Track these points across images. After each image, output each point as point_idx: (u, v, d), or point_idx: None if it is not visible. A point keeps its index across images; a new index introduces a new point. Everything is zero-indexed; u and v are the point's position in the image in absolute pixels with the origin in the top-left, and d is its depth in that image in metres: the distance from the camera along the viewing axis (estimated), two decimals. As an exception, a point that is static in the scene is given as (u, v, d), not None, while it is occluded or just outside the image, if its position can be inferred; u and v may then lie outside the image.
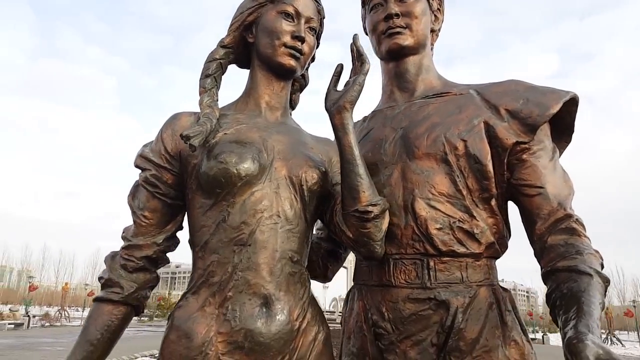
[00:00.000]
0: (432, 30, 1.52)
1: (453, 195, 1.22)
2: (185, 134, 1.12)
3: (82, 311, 48.25)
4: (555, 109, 1.23)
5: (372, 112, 1.51)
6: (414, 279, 1.20)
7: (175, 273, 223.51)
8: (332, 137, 1.35)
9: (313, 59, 1.46)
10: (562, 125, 1.34)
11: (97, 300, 1.19)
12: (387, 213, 1.17)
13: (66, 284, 51.26)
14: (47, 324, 35.77)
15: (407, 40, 1.41)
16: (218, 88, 1.32)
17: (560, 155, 1.41)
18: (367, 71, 1.20)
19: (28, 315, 29.74)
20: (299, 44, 1.28)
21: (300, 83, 1.48)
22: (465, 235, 1.20)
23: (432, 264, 1.19)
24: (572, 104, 1.30)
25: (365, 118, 1.53)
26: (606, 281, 1.06)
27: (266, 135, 1.24)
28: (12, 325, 28.40)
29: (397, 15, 1.40)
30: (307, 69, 1.46)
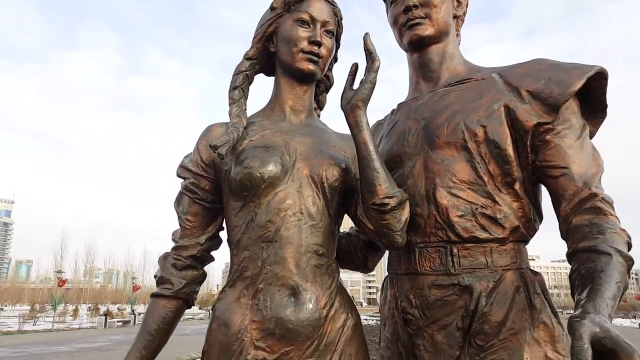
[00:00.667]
0: (456, 16, 1.52)
1: (474, 181, 1.23)
2: (213, 144, 1.24)
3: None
4: (578, 86, 1.19)
5: (399, 104, 1.54)
6: (439, 266, 1.23)
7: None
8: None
9: (336, 60, 1.52)
10: (594, 101, 1.30)
11: (153, 295, 1.35)
12: (406, 204, 1.21)
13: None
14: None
15: (427, 30, 1.42)
16: (246, 98, 1.43)
17: (596, 131, 1.36)
18: (377, 69, 1.24)
19: (134, 313, 32.33)
20: (316, 48, 1.35)
21: (325, 84, 1.55)
22: (488, 220, 1.20)
23: (455, 250, 1.21)
24: (600, 78, 1.25)
25: (393, 111, 1.57)
26: (629, 260, 1.03)
27: (289, 138, 1.32)
28: (120, 323, 31.03)
29: (415, 6, 1.41)
30: (330, 69, 1.52)
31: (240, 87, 1.41)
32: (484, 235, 1.20)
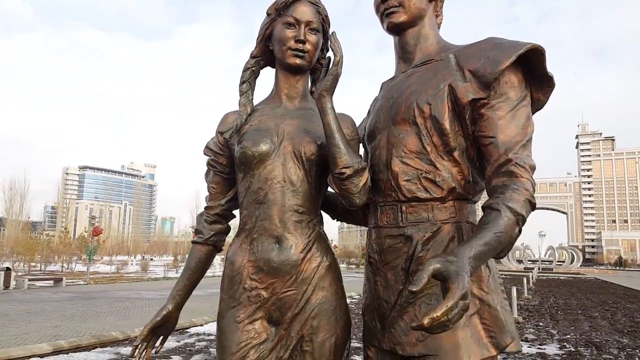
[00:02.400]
0: (431, 0, 1.70)
1: (420, 151, 1.47)
2: (219, 130, 1.64)
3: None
4: (506, 64, 1.36)
5: (382, 83, 1.79)
6: (392, 220, 1.51)
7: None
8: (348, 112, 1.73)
9: (328, 49, 1.80)
10: (537, 73, 1.45)
11: (193, 242, 1.82)
12: (363, 172, 1.50)
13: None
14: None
15: (401, 17, 1.64)
16: (253, 89, 1.79)
17: (546, 99, 1.51)
18: (338, 62, 1.52)
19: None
20: (301, 45, 1.66)
21: (320, 71, 1.85)
22: (429, 183, 1.45)
23: (403, 208, 1.49)
24: (538, 53, 1.40)
25: (380, 88, 1.82)
26: (517, 215, 1.23)
27: (280, 122, 1.67)
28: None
29: None
30: (323, 57, 1.80)
31: (247, 81, 1.78)
32: (424, 195, 1.45)
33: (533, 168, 1.34)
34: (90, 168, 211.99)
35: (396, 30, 1.67)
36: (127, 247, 73.24)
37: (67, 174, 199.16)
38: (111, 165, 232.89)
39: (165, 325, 1.74)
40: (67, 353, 5.85)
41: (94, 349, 6.22)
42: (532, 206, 1.29)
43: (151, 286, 21.01)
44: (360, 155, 1.61)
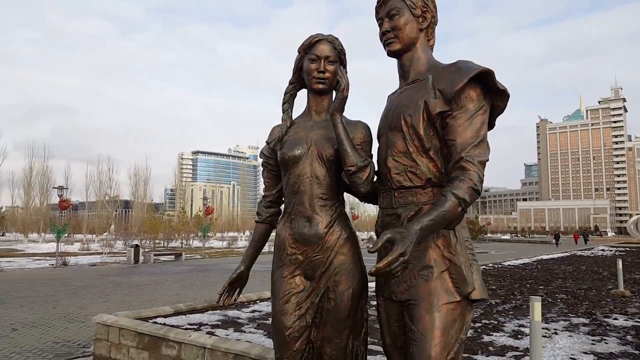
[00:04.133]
0: (422, 29, 2.14)
1: (405, 151, 1.96)
2: (267, 141, 2.26)
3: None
4: (460, 85, 1.80)
5: (388, 96, 2.27)
6: (388, 203, 2.03)
7: (485, 197, 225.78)
8: (362, 118, 2.27)
9: (346, 70, 2.31)
10: (493, 87, 1.86)
11: (256, 222, 2.48)
12: (366, 168, 2.03)
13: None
14: (370, 246, 42.67)
15: (396, 46, 2.11)
16: (291, 107, 2.38)
17: (504, 106, 1.91)
18: (344, 89, 2.05)
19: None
20: (322, 75, 2.21)
21: None
22: (413, 175, 1.94)
23: (395, 194, 1.99)
24: (489, 74, 1.82)
25: (387, 99, 2.31)
26: (459, 198, 1.68)
27: (309, 132, 2.24)
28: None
29: (387, 31, 2.12)
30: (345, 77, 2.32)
31: (287, 102, 2.37)
32: (409, 184, 1.94)
33: (482, 162, 1.78)
34: (202, 152, 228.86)
35: (394, 55, 2.14)
36: (237, 224, 78.76)
37: (182, 159, 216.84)
38: (219, 149, 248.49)
39: (239, 281, 2.42)
40: (185, 314, 7.03)
41: (206, 311, 7.36)
42: (476, 192, 1.73)
43: (257, 259, 22.73)
44: (367, 155, 2.14)
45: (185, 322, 6.33)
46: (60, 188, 26.97)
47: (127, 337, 5.83)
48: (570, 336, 6.23)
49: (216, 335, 5.39)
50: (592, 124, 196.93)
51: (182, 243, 42.09)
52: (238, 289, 2.45)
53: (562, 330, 6.55)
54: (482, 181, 1.77)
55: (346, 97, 2.09)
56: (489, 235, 76.86)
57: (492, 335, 6.23)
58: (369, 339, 2.22)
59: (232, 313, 7.22)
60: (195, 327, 6.03)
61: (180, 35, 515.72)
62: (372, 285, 2.16)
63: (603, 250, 32.51)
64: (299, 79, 2.36)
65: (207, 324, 6.34)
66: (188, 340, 5.18)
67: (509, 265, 18.59)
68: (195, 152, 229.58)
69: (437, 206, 1.70)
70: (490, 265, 18.47)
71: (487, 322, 7.10)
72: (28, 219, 49.92)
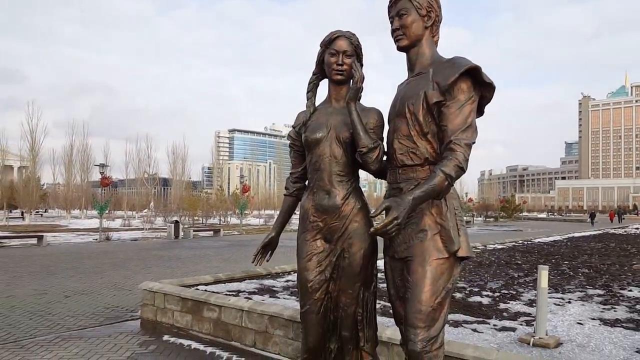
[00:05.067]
0: (427, 27, 2.46)
1: (408, 135, 2.32)
2: (293, 125, 2.66)
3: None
4: (452, 79, 2.14)
5: (397, 86, 2.61)
6: (394, 179, 2.40)
7: (523, 175, 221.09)
8: (375, 105, 2.63)
9: (362, 64, 2.67)
10: (481, 79, 2.20)
11: (284, 195, 2.90)
12: (375, 149, 2.40)
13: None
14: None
15: (404, 42, 2.45)
16: (315, 95, 2.75)
17: (491, 96, 2.25)
18: (357, 80, 2.42)
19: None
20: (340, 67, 2.57)
21: None
22: (413, 155, 2.30)
23: (400, 171, 2.36)
24: (477, 69, 2.15)
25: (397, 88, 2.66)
26: (446, 174, 2.03)
27: (329, 117, 2.62)
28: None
29: (397, 29, 2.46)
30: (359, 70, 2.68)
31: (310, 90, 2.76)
32: (410, 162, 2.31)
33: (468, 145, 2.12)
34: (238, 131, 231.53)
35: (402, 50, 2.49)
36: (273, 202, 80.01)
37: (219, 137, 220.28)
38: (256, 127, 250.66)
39: (271, 245, 2.86)
40: (224, 283, 7.62)
41: (244, 280, 7.94)
42: (461, 169, 2.09)
43: (292, 236, 23.47)
44: (378, 138, 2.51)
45: (224, 290, 6.91)
46: (102, 165, 28.20)
47: (171, 302, 6.45)
48: (583, 305, 6.52)
49: (253, 300, 5.93)
50: (636, 101, 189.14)
51: (220, 220, 43.37)
52: (270, 252, 2.89)
53: (576, 300, 6.84)
54: (467, 160, 2.12)
55: (360, 89, 2.46)
56: (524, 213, 75.66)
57: (508, 303, 6.58)
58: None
59: (267, 282, 7.78)
60: (233, 293, 6.60)
61: (219, 12, 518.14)
62: (382, 247, 2.56)
63: (637, 228, 31.80)
64: (321, 71, 2.73)
65: (244, 291, 6.91)
66: (227, 304, 5.74)
67: (538, 242, 18.63)
68: (232, 130, 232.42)
69: (428, 181, 2.07)
70: (520, 241, 18.55)
71: (506, 292, 7.43)
72: (70, 196, 52.21)
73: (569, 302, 6.69)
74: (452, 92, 2.19)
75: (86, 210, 53.34)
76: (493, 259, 12.26)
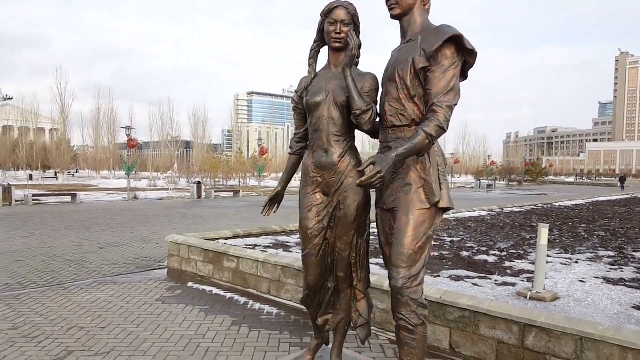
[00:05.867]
0: None
1: (397, 98, 2.57)
2: (295, 90, 2.93)
3: (450, 177, 54.63)
4: (436, 46, 2.37)
5: (393, 50, 2.84)
6: (385, 138, 2.67)
7: (552, 138, 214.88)
8: (372, 70, 2.87)
9: (358, 34, 2.90)
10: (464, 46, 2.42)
11: (289, 154, 3.20)
12: (368, 111, 2.66)
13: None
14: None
15: (397, 11, 2.67)
16: (316, 62, 3.00)
17: (474, 61, 2.47)
18: (352, 48, 2.66)
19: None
20: (338, 35, 2.81)
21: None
22: (401, 116, 2.56)
23: (389, 131, 2.63)
24: (459, 37, 2.37)
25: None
26: (427, 134, 2.28)
27: (328, 82, 2.88)
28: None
29: None
30: (358, 36, 2.90)
31: (312, 57, 3.01)
32: (399, 123, 2.57)
33: (450, 106, 2.37)
34: (257, 93, 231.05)
35: (395, 18, 2.71)
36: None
37: (237, 100, 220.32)
38: (274, 90, 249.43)
39: (277, 198, 3.19)
40: (242, 238, 8.10)
41: (260, 236, 8.41)
42: (442, 129, 2.34)
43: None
44: (372, 101, 2.76)
45: (242, 244, 7.38)
46: (128, 128, 28.93)
47: (194, 253, 6.96)
48: (590, 265, 6.73)
49: (268, 252, 6.37)
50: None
51: (239, 182, 44.29)
52: (277, 204, 3.22)
53: (584, 261, 7.04)
54: (448, 120, 2.37)
55: (354, 55, 2.70)
56: (550, 177, 74.15)
57: (514, 262, 6.86)
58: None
59: (282, 238, 8.23)
60: (250, 247, 7.06)
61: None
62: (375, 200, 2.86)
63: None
64: (321, 39, 2.97)
65: (260, 245, 7.37)
66: (245, 255, 6.20)
67: (559, 206, 18.62)
68: (250, 93, 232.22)
69: (411, 139, 2.34)
70: (540, 205, 18.59)
71: (514, 252, 7.69)
72: (98, 157, 53.77)
73: (576, 262, 6.90)
74: (437, 58, 2.41)
75: (114, 171, 54.95)
76: (508, 221, 12.45)
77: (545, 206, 18.08)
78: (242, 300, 5.73)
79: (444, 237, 9.38)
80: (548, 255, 7.41)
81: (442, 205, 2.52)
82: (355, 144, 2.96)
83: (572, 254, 7.63)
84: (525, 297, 4.90)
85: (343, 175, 2.82)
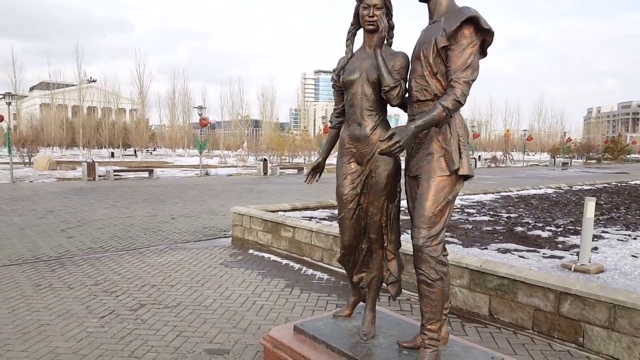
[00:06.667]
0: None
1: (422, 75, 2.79)
2: (333, 69, 3.23)
3: (523, 154, 52.43)
4: (455, 27, 2.56)
5: (422, 29, 3.04)
6: (412, 112, 2.90)
7: (638, 113, 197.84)
8: (404, 50, 3.11)
9: (390, 17, 3.12)
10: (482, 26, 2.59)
11: (329, 128, 3.51)
12: (397, 88, 2.89)
13: (507, 130, 56.55)
14: (493, 165, 41.48)
15: None
16: (352, 43, 3.25)
17: (491, 40, 2.64)
18: (381, 31, 2.89)
19: (474, 158, 35.86)
20: (371, 19, 3.05)
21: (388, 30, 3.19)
22: (425, 92, 2.77)
23: (415, 105, 2.85)
24: (477, 18, 2.55)
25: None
26: (444, 107, 2.49)
27: (362, 62, 3.13)
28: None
29: None
30: (390, 19, 3.13)
31: (349, 39, 3.27)
32: (422, 98, 2.79)
33: (467, 82, 2.56)
34: (323, 72, 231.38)
35: (423, 1, 2.91)
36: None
37: (305, 78, 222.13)
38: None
39: (318, 168, 3.52)
40: (300, 210, 8.57)
41: (317, 209, 8.84)
42: (458, 103, 2.54)
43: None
44: (401, 78, 2.99)
45: (299, 216, 7.84)
46: (200, 107, 30.36)
47: (255, 223, 7.50)
48: (650, 243, 6.54)
49: (321, 223, 6.77)
50: None
51: (304, 159, 45.21)
52: (319, 174, 3.55)
53: (645, 238, 6.85)
54: (465, 95, 2.56)
55: (384, 37, 2.94)
56: (634, 155, 68.89)
57: (568, 237, 6.80)
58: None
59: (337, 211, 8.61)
60: (307, 219, 7.49)
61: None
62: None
63: None
64: (357, 22, 3.22)
65: (316, 217, 7.78)
66: (300, 225, 6.63)
67: (634, 184, 17.57)
68: (317, 72, 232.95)
69: (430, 112, 2.57)
70: (614, 183, 17.63)
71: (571, 228, 7.57)
72: (174, 136, 56.80)
73: (635, 239, 6.73)
74: (456, 37, 2.61)
75: (189, 149, 57.85)
76: (574, 199, 12.06)
77: (620, 184, 17.13)
78: (297, 266, 6.19)
79: (501, 212, 9.34)
80: (606, 232, 7.26)
81: (461, 172, 2.73)
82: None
83: (632, 231, 7.41)
84: (570, 269, 4.95)
85: (375, 147, 3.08)
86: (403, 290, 4.08)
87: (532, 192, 13.93)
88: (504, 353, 3.24)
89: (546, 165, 43.33)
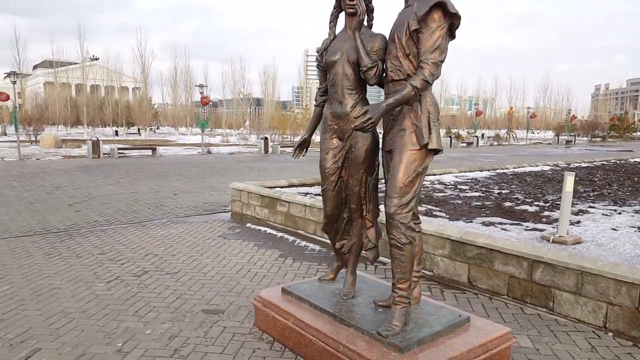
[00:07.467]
0: None
1: (396, 56, 3.02)
2: (317, 50, 3.46)
3: (526, 132, 52.31)
4: (424, 11, 2.78)
5: (399, 12, 3.25)
6: (387, 91, 3.14)
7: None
8: (382, 32, 3.33)
9: (370, 0, 3.33)
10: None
11: (314, 106, 3.76)
12: (374, 68, 3.12)
13: (511, 108, 56.30)
14: (496, 143, 41.44)
15: None
16: (335, 25, 3.47)
17: (458, 23, 2.86)
18: (360, 13, 3.12)
19: (476, 136, 35.94)
20: (352, 2, 3.26)
21: (368, 11, 3.40)
22: (399, 72, 3.00)
23: (390, 85, 3.09)
24: (445, 3, 2.77)
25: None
26: (413, 87, 2.74)
27: (344, 43, 3.35)
28: (465, 144, 34.95)
29: None
30: (369, 4, 3.34)
31: (332, 22, 3.48)
32: (397, 78, 3.02)
33: (435, 63, 2.79)
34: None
35: None
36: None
37: (307, 55, 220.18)
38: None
39: (304, 144, 3.77)
40: (296, 187, 8.86)
41: (313, 186, 9.12)
42: (426, 82, 2.78)
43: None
44: (379, 59, 3.22)
45: (295, 192, 8.13)
46: (201, 86, 30.45)
47: (253, 198, 7.80)
48: (633, 216, 6.80)
49: (315, 198, 7.05)
50: None
51: (307, 137, 45.25)
52: (305, 149, 3.81)
53: (629, 212, 7.10)
54: (432, 75, 2.79)
55: (362, 20, 3.15)
56: (638, 133, 68.36)
57: (554, 212, 7.06)
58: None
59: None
60: (302, 194, 7.78)
61: None
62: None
63: None
64: (339, 5, 3.43)
65: (311, 193, 8.07)
66: (294, 200, 6.93)
67: (634, 161, 17.73)
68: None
69: (400, 91, 2.81)
70: (612, 161, 17.81)
71: (559, 203, 7.82)
72: (176, 114, 56.89)
73: (620, 214, 6.98)
74: (426, 21, 2.83)
75: (191, 127, 58.00)
76: (568, 175, 12.27)
77: (618, 162, 17.29)
78: (291, 238, 6.50)
79: (493, 189, 9.60)
80: (593, 207, 7.52)
81: (431, 146, 2.98)
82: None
83: (620, 206, 7.65)
84: (548, 241, 5.24)
85: (353, 123, 3.34)
86: (380, 257, 4.38)
87: (528, 169, 14.15)
88: (478, 316, 3.54)
89: (550, 144, 43.33)
